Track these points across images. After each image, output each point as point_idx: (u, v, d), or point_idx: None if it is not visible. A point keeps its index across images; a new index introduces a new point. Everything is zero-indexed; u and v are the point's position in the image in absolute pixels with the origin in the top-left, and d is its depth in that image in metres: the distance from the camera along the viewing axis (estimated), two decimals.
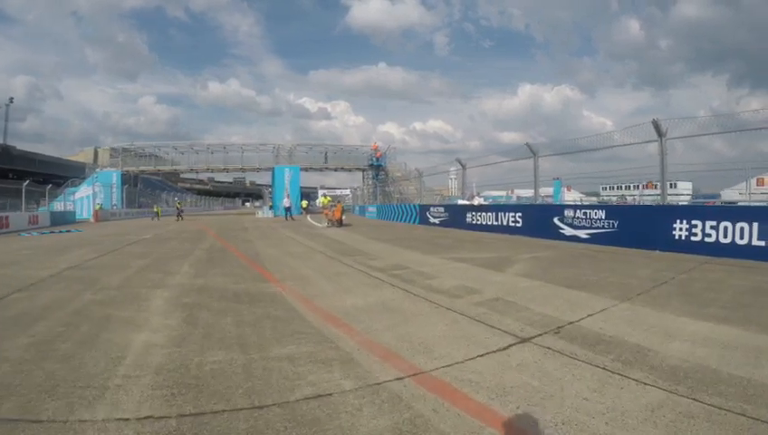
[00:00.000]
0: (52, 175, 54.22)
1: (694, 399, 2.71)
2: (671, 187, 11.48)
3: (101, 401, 2.73)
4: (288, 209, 32.62)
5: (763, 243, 8.21)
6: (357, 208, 40.72)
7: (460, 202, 20.98)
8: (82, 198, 39.19)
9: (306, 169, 48.51)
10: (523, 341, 3.91)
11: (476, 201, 21.36)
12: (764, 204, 9.91)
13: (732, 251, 8.58)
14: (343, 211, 23.14)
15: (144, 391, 2.88)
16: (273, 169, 45.99)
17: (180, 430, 2.40)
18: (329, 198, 35.33)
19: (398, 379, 3.09)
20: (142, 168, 47.66)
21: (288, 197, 35.43)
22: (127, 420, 2.51)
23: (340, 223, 21.63)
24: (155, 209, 37.73)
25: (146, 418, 2.53)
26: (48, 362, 3.40)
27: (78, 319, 4.72)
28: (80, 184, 41.27)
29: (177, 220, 32.49)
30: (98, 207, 35.54)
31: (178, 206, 37.88)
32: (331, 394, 2.83)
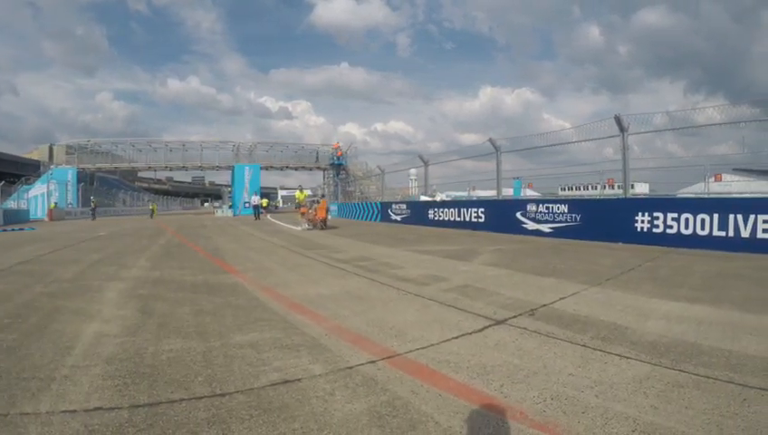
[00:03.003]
0: (6, 173, 51.26)
1: (680, 370, 2.69)
2: (630, 188, 11.73)
3: (46, 393, 2.48)
4: (257, 207, 30.97)
5: (723, 233, 8.42)
6: None
7: (422, 198, 20.92)
8: (37, 197, 37.24)
9: (267, 168, 47.32)
10: (498, 322, 3.83)
11: (438, 197, 21.34)
12: (724, 196, 10.19)
13: (694, 242, 8.78)
14: (328, 210, 18.41)
15: (94, 382, 2.63)
16: (233, 168, 44.86)
17: (133, 421, 2.16)
18: (306, 192, 29.44)
19: (370, 362, 2.93)
20: (99, 165, 45.42)
21: (256, 194, 34.05)
22: (74, 411, 2.27)
23: (324, 224, 17.35)
24: (150, 207, 34.78)
25: (95, 409, 2.29)
26: None
27: (26, 311, 4.41)
28: (34, 182, 39.04)
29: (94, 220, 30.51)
30: (53, 205, 33.88)
31: (94, 204, 34.65)
32: (299, 379, 2.65)
